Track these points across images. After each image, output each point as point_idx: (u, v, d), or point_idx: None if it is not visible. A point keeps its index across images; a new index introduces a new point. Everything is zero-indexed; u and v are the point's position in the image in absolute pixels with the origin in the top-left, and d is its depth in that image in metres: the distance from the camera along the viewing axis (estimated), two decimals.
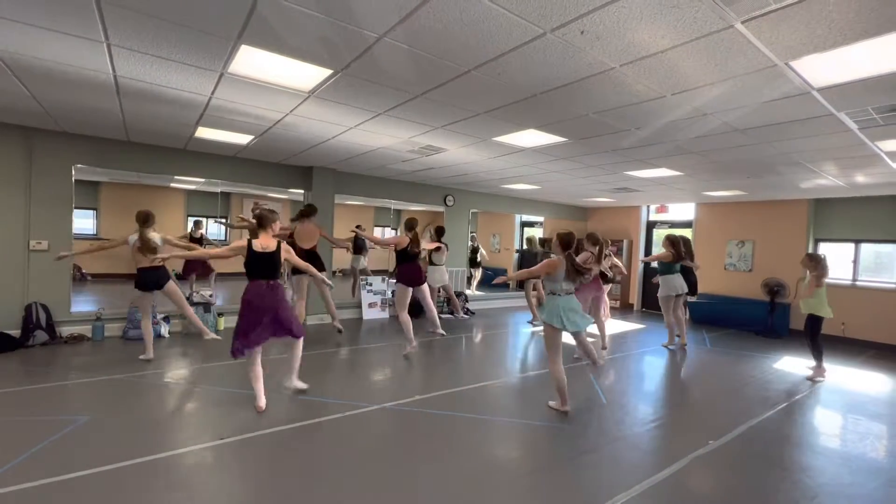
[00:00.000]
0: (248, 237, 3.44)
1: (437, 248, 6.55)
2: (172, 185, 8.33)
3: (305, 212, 5.37)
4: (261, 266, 3.36)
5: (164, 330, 5.49)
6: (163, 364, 4.40)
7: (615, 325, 7.81)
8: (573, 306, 3.52)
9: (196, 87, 3.30)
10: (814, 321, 4.95)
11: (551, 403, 3.67)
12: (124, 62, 2.87)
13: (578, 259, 5.03)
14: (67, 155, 5.09)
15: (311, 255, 5.20)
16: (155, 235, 4.36)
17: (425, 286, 5.07)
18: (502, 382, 4.40)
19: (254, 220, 3.51)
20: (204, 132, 4.71)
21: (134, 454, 2.61)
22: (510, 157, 5.32)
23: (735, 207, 8.49)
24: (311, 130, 4.48)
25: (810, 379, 4.92)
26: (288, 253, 3.53)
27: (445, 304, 8.22)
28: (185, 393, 3.69)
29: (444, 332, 5.43)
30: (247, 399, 3.52)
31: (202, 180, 6.47)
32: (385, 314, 7.63)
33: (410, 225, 4.96)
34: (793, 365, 5.53)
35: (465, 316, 8.16)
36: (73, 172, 5.15)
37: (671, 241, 6.01)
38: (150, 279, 4.36)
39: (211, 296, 5.95)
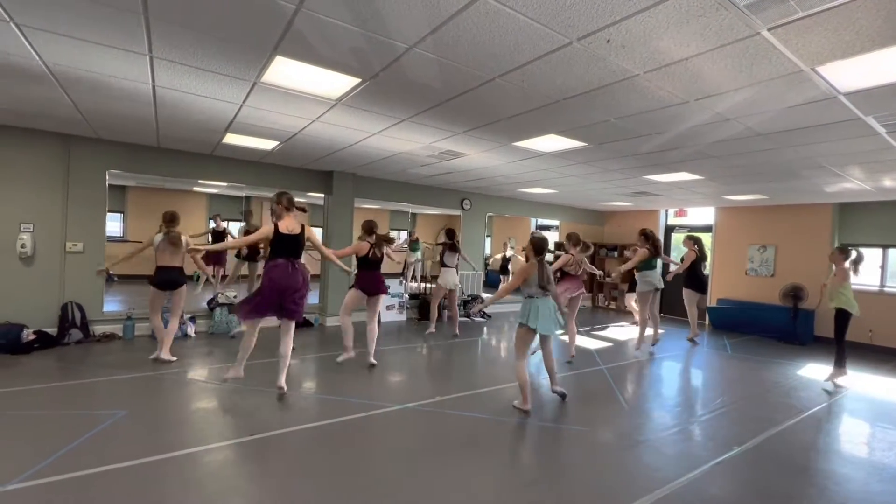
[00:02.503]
0: (274, 220, 3.63)
1: (448, 249, 6.38)
2: (196, 188, 8.58)
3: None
4: (285, 246, 3.56)
5: (191, 329, 5.66)
6: (191, 362, 4.55)
7: (634, 330, 7.75)
8: (549, 309, 3.62)
9: (229, 96, 3.43)
10: (842, 317, 4.88)
11: (515, 403, 3.70)
12: (164, 73, 3.01)
13: (559, 262, 5.12)
14: (102, 160, 5.31)
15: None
16: (183, 237, 4.51)
17: (381, 298, 4.75)
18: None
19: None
20: (232, 138, 4.87)
21: (171, 448, 2.72)
22: (529, 162, 5.36)
23: (756, 211, 8.37)
24: (334, 136, 4.60)
25: (830, 380, 4.90)
26: (311, 233, 3.77)
27: (463, 306, 8.28)
28: (214, 390, 3.81)
29: (375, 362, 4.65)
30: (274, 397, 3.63)
31: (225, 184, 6.66)
32: (403, 316, 7.72)
33: (370, 228, 4.64)
34: (817, 372, 5.43)
35: (481, 319, 8.20)
36: (107, 177, 5.37)
37: (645, 236, 5.89)
38: (168, 278, 4.46)
39: (235, 297, 6.11)
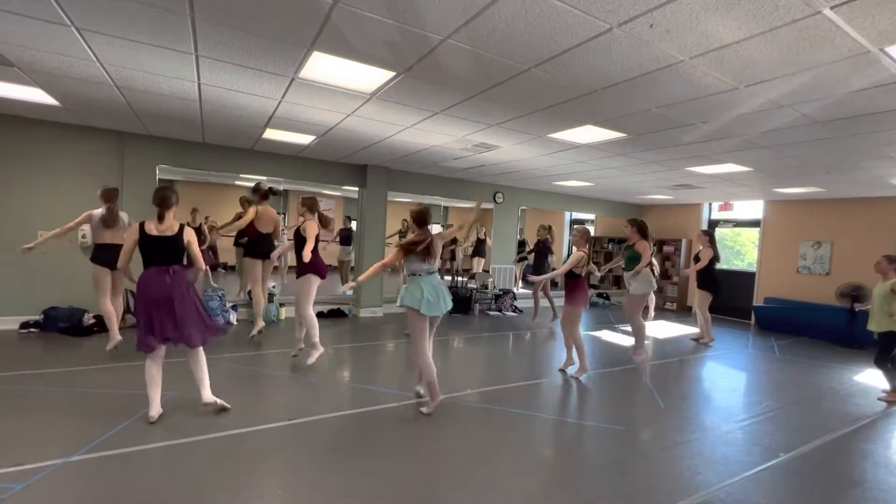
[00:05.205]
0: (141, 222, 2.94)
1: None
2: (237, 182, 8.93)
3: (265, 194, 5.00)
4: (156, 251, 2.91)
5: (233, 317, 5.93)
6: (232, 349, 4.77)
7: (672, 328, 7.48)
8: (436, 286, 3.22)
9: (269, 92, 3.54)
10: (890, 340, 4.19)
11: (424, 410, 3.31)
12: (208, 71, 3.14)
13: (571, 261, 4.48)
14: (153, 156, 5.62)
15: (266, 240, 4.93)
16: (123, 214, 4.30)
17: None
18: (550, 381, 4.37)
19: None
20: (271, 133, 5.02)
21: (216, 429, 2.87)
22: (564, 154, 5.24)
23: (811, 205, 7.84)
24: (369, 130, 4.65)
25: (884, 401, 4.26)
26: (191, 237, 3.05)
27: (494, 301, 8.24)
28: (253, 376, 3.98)
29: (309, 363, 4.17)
30: (308, 385, 3.75)
31: (265, 178, 6.88)
32: None
33: (311, 205, 4.20)
34: (878, 378, 5.04)
35: (513, 314, 8.14)
36: (157, 172, 5.69)
37: (639, 228, 5.17)
38: (109, 256, 3.99)
39: (273, 286, 6.34)
